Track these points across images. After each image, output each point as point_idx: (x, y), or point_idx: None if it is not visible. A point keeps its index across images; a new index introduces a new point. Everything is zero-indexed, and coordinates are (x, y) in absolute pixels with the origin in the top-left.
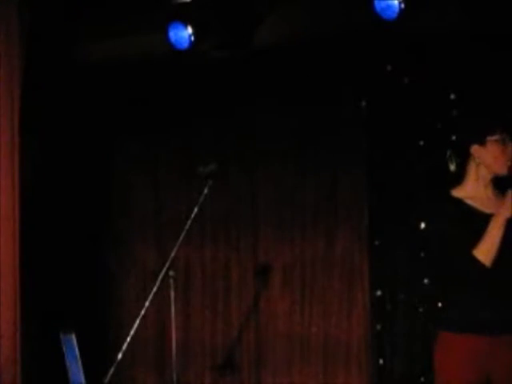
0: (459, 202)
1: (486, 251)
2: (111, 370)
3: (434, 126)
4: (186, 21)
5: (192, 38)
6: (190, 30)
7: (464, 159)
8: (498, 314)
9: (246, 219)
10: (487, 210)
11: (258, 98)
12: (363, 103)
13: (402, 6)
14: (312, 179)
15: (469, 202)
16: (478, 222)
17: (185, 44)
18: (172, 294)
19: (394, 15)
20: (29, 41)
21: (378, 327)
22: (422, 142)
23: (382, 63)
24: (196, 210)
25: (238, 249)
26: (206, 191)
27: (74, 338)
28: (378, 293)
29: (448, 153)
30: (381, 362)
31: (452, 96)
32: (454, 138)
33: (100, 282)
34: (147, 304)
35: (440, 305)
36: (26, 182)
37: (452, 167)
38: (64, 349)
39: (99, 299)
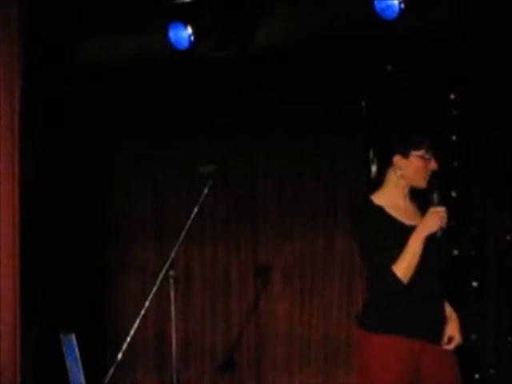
0: (380, 211)
1: (404, 269)
2: (111, 370)
3: (433, 126)
4: (186, 21)
5: (192, 38)
6: (189, 29)
7: (384, 166)
8: (422, 321)
9: (245, 219)
10: (407, 222)
11: (258, 97)
12: (363, 103)
13: (402, 6)
14: (312, 179)
15: (389, 211)
16: (398, 233)
17: (185, 44)
18: (172, 294)
19: (394, 15)
20: (29, 41)
21: None
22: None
23: (382, 63)
24: (196, 209)
25: (238, 249)
26: (206, 191)
27: (73, 338)
28: None
29: (371, 155)
30: None
31: (452, 96)
32: (454, 138)
33: (100, 282)
34: (147, 304)
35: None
36: (26, 183)
37: (373, 170)
38: (64, 349)
39: (99, 299)
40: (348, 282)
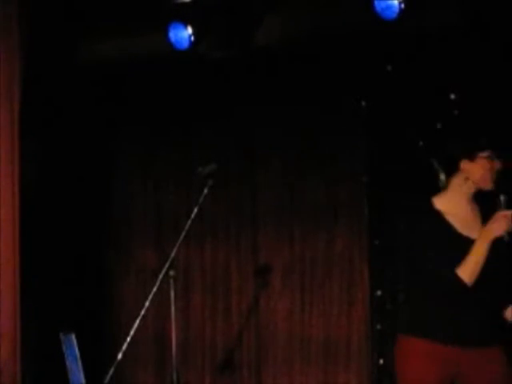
0: (439, 217)
1: (469, 273)
2: (111, 370)
3: (433, 126)
4: (186, 21)
5: (192, 38)
6: (189, 29)
7: (451, 172)
8: (472, 327)
9: (245, 219)
10: (464, 232)
11: (258, 98)
12: (363, 103)
13: (402, 6)
14: (312, 179)
15: (448, 218)
16: (452, 241)
17: (185, 44)
18: (172, 294)
19: (394, 15)
20: (29, 41)
21: (378, 327)
22: (421, 142)
23: (382, 63)
24: (196, 209)
25: (238, 249)
26: (205, 191)
27: (73, 337)
28: (378, 293)
29: (435, 164)
30: (381, 361)
31: (452, 96)
32: (451, 141)
33: (100, 282)
34: (147, 304)
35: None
36: (26, 183)
37: (442, 179)
38: (64, 349)
39: (99, 299)
40: (348, 282)
